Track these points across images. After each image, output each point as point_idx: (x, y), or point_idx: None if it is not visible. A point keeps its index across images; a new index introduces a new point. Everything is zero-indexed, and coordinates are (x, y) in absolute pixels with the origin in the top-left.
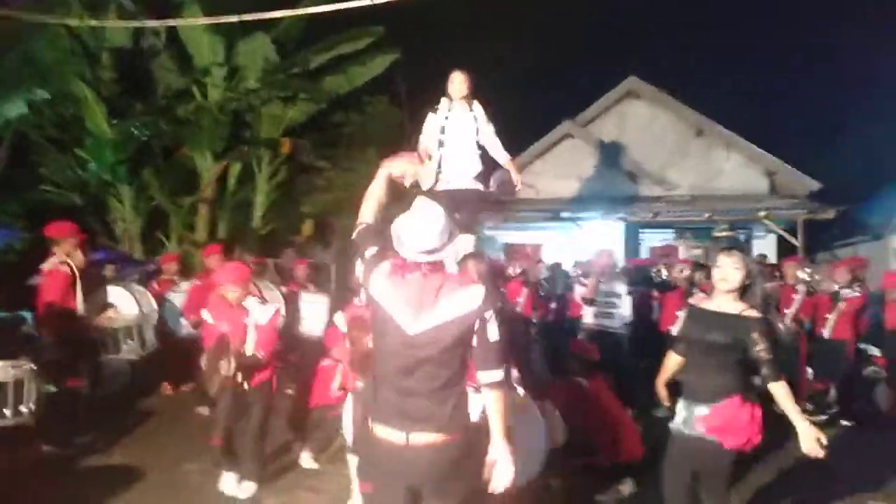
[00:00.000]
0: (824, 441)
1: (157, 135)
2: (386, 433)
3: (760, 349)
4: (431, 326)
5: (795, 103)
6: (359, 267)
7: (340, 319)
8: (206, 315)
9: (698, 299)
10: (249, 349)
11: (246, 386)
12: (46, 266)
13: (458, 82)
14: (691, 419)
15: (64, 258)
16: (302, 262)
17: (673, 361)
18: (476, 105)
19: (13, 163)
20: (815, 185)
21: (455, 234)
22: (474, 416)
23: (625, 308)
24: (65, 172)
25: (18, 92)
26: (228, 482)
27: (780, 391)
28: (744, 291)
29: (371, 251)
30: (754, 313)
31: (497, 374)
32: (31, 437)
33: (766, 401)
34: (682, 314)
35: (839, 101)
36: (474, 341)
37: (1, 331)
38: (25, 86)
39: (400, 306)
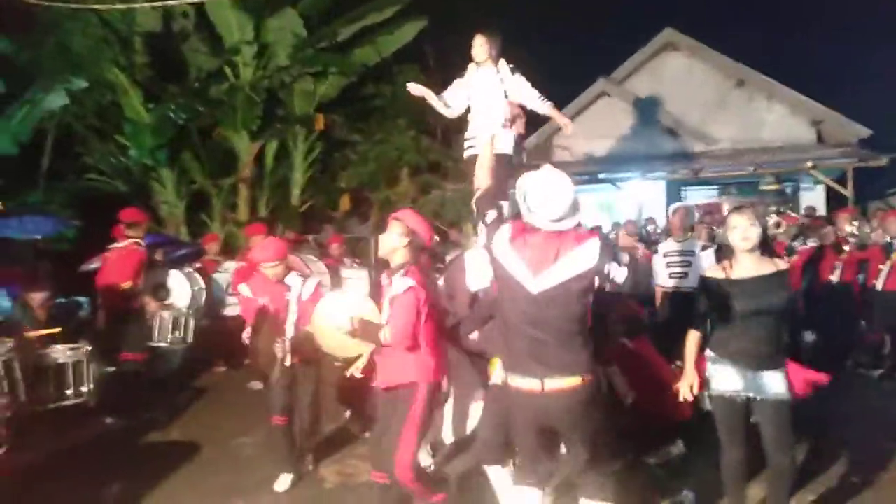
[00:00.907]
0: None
1: (193, 117)
2: (522, 382)
3: None
4: (553, 285)
5: (840, 47)
6: (481, 230)
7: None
8: (243, 289)
9: (717, 269)
10: (291, 326)
11: (290, 362)
12: (120, 245)
13: (478, 45)
14: (761, 384)
15: (137, 240)
16: (336, 238)
17: (695, 339)
18: (502, 64)
19: (58, 153)
20: (864, 131)
21: (579, 204)
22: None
23: (702, 265)
24: (108, 160)
25: (57, 82)
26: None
27: None
28: (764, 246)
29: (491, 215)
30: (783, 264)
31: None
32: (94, 415)
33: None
34: (701, 287)
35: (886, 41)
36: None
37: (59, 316)
38: (63, 76)
39: (522, 268)
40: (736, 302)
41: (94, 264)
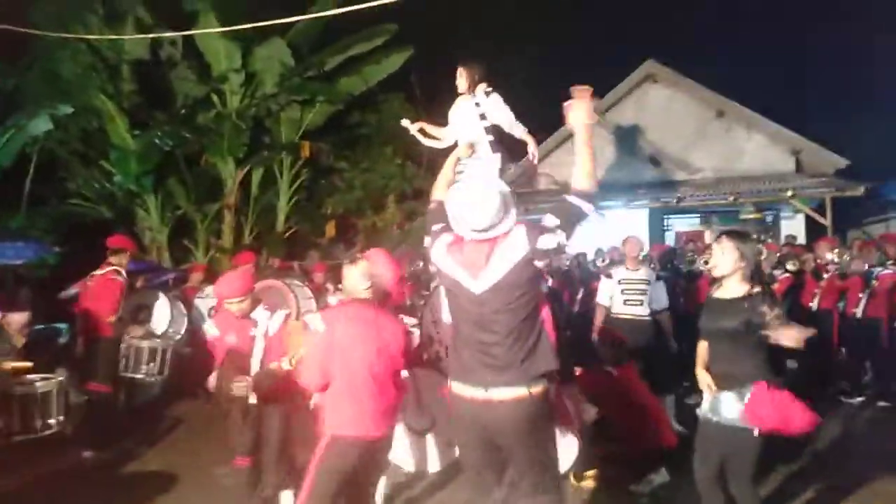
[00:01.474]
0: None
1: (179, 144)
2: (465, 389)
3: (770, 316)
4: (494, 283)
5: (818, 79)
6: (427, 240)
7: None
8: (209, 327)
9: (714, 289)
10: (256, 362)
11: (253, 400)
12: (100, 272)
13: (459, 77)
14: (718, 406)
15: (119, 268)
16: (321, 266)
17: (703, 348)
18: (479, 88)
19: (41, 179)
20: (842, 161)
21: (511, 206)
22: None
23: (654, 294)
24: (92, 186)
25: (42, 108)
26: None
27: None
28: (752, 274)
29: (438, 226)
30: (758, 289)
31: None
32: (71, 445)
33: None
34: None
35: (864, 74)
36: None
37: (38, 343)
38: (48, 102)
39: (461, 271)
40: (704, 318)
41: (74, 290)
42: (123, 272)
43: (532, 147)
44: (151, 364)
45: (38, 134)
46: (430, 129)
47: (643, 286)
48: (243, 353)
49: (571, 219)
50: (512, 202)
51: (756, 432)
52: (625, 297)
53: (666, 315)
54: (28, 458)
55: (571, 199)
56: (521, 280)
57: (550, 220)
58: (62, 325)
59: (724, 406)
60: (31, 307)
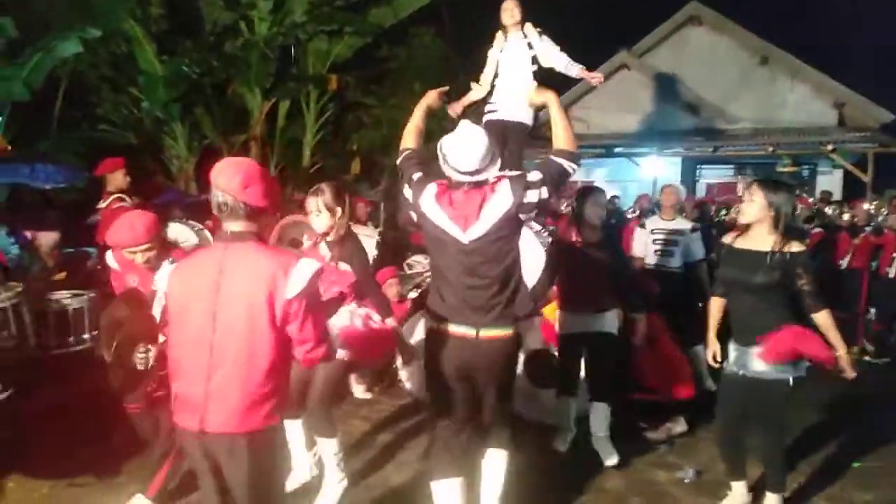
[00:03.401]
0: (851, 371)
1: (206, 72)
2: (458, 329)
3: (803, 282)
4: (482, 234)
5: (867, 28)
6: (406, 191)
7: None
8: (109, 259)
9: (732, 237)
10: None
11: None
12: (104, 204)
13: (506, 10)
14: (745, 359)
15: (120, 194)
16: (362, 200)
17: (716, 305)
18: (529, 28)
19: (71, 103)
20: (887, 116)
21: (497, 157)
22: None
23: (690, 246)
24: (120, 111)
25: (71, 30)
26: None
27: (822, 320)
28: (778, 224)
29: (417, 175)
30: (794, 246)
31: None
32: (102, 365)
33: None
34: (718, 251)
35: None
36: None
37: (68, 264)
38: (78, 24)
39: (450, 222)
40: (725, 269)
41: (96, 217)
42: (128, 197)
43: (593, 77)
44: None
45: (67, 56)
46: (467, 97)
47: (677, 237)
48: (146, 311)
49: (555, 176)
50: (497, 153)
51: (790, 381)
52: (656, 247)
53: (702, 267)
54: (68, 373)
55: (555, 158)
56: (506, 232)
57: (535, 175)
58: (91, 249)
59: (752, 360)
60: (60, 229)
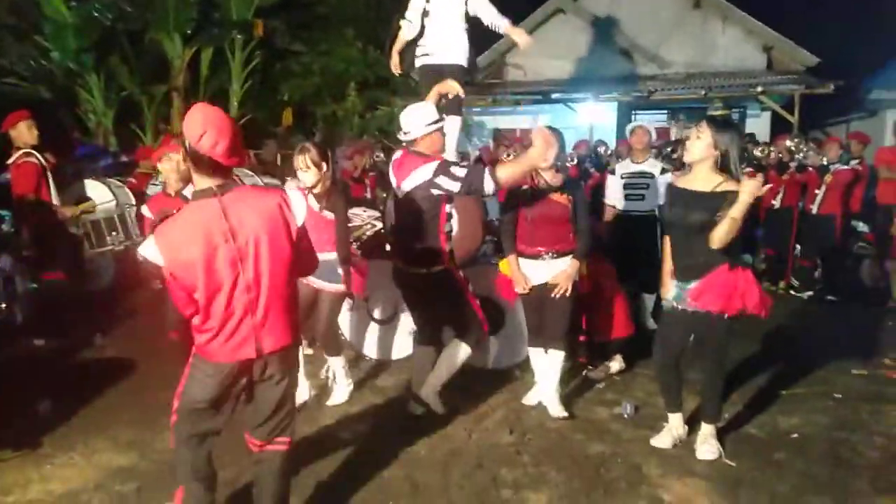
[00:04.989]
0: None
1: (120, 18)
2: (403, 267)
3: (721, 214)
4: (408, 189)
5: None
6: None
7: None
8: (145, 211)
9: (677, 177)
10: None
11: None
12: (11, 160)
13: None
14: (682, 295)
15: (28, 150)
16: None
17: (665, 243)
18: None
19: None
20: (812, 59)
21: (427, 121)
22: None
23: (659, 188)
24: (27, 62)
25: None
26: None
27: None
28: (723, 164)
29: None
30: (732, 186)
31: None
32: (22, 334)
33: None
34: (665, 191)
35: None
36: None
37: None
38: None
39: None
40: (672, 209)
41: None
42: (38, 155)
43: (521, 37)
44: (115, 233)
45: None
46: (398, 41)
47: (646, 180)
48: None
49: (474, 183)
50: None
51: (727, 313)
52: (627, 191)
53: None
54: None
55: (488, 173)
56: (421, 196)
57: (460, 171)
58: (4, 212)
59: (687, 293)
60: None
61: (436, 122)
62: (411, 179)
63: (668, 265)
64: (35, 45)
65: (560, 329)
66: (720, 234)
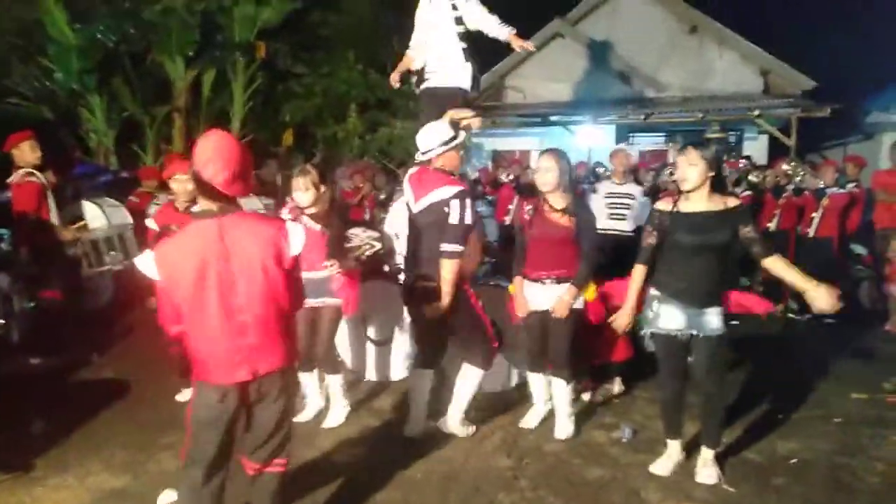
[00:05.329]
0: (837, 295)
1: (123, 40)
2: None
3: (748, 230)
4: (427, 205)
5: None
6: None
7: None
8: (149, 223)
9: (668, 202)
10: None
11: None
12: (14, 179)
13: None
14: (702, 321)
15: (29, 169)
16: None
17: (641, 272)
18: None
19: None
20: (809, 83)
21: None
22: None
23: (641, 210)
24: (31, 83)
25: None
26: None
27: (776, 264)
28: (716, 184)
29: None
30: (736, 202)
31: (451, 247)
32: (18, 352)
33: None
34: (651, 221)
35: None
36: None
37: None
38: None
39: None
40: (681, 236)
41: (7, 194)
42: (38, 174)
43: (524, 43)
44: (113, 252)
45: None
46: (402, 64)
47: (628, 200)
48: None
49: (459, 233)
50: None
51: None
52: (609, 211)
53: None
54: None
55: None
56: (438, 211)
57: (468, 215)
58: (3, 231)
59: (709, 321)
60: None
61: (452, 139)
62: (431, 196)
63: (634, 293)
64: (39, 65)
65: (561, 357)
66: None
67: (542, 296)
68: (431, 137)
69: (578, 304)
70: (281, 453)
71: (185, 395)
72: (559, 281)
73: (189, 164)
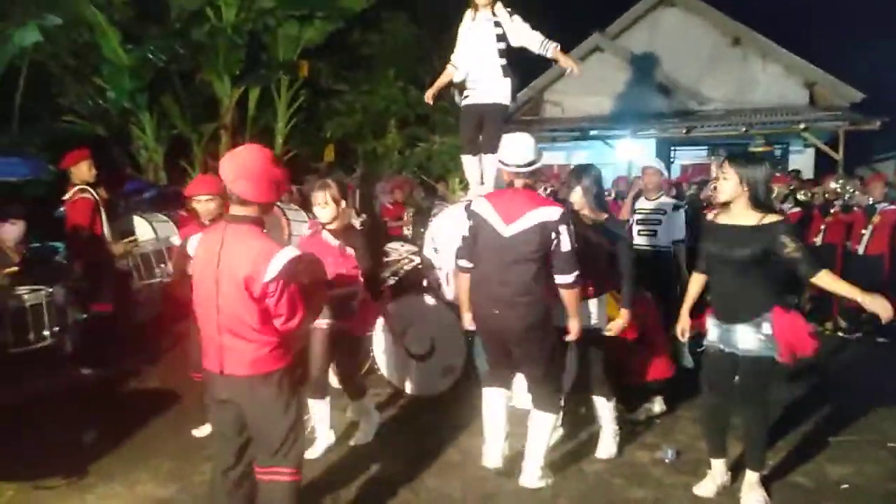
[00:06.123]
0: (889, 306)
1: (173, 60)
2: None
3: (790, 249)
4: (520, 230)
5: (837, 7)
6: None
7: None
8: (174, 237)
9: (713, 213)
10: None
11: None
12: (68, 196)
13: None
14: (731, 337)
15: (84, 186)
16: (347, 186)
17: (697, 282)
18: (499, 8)
19: (32, 94)
20: (857, 95)
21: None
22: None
23: (671, 224)
24: (85, 102)
25: (30, 18)
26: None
27: (825, 279)
28: (756, 199)
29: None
30: (774, 217)
31: (569, 278)
32: (70, 362)
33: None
34: (702, 229)
35: (884, 3)
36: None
37: (33, 261)
38: (36, 11)
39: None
40: (709, 245)
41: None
42: (92, 191)
43: (570, 62)
44: (163, 265)
45: (26, 45)
46: (440, 80)
47: (658, 216)
48: None
49: (568, 257)
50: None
51: (777, 357)
52: (639, 227)
53: (680, 246)
54: (27, 373)
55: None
56: (539, 238)
57: (569, 246)
58: (58, 244)
59: (739, 337)
60: (25, 223)
61: (540, 157)
62: (530, 217)
63: (689, 300)
64: (93, 85)
65: (598, 375)
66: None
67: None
68: (527, 150)
69: (600, 322)
70: (282, 462)
71: (202, 431)
72: (586, 299)
73: (212, 184)
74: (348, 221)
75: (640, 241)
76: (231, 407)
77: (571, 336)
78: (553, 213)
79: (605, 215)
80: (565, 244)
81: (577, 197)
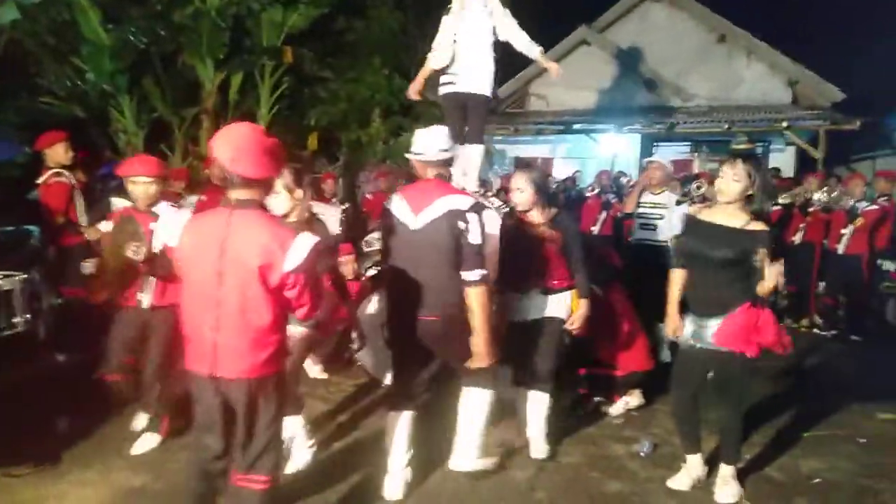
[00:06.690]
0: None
1: (154, 42)
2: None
3: (757, 259)
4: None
5: (822, 5)
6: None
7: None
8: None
9: (697, 209)
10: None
11: (145, 304)
12: (42, 179)
13: None
14: (701, 333)
15: (59, 169)
16: (330, 175)
17: (677, 277)
18: (491, 1)
19: (9, 73)
20: (838, 94)
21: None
22: None
23: (671, 220)
24: (63, 83)
25: None
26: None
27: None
28: (748, 201)
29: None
30: (759, 226)
31: (472, 275)
32: (44, 348)
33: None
34: (682, 223)
35: (866, 3)
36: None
37: (7, 244)
38: None
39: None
40: (692, 242)
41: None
42: (68, 174)
43: (551, 65)
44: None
45: (4, 23)
46: (423, 71)
47: (660, 211)
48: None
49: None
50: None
51: (749, 354)
52: (640, 221)
53: None
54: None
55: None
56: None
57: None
58: (33, 228)
59: (709, 332)
60: None
61: (453, 148)
62: (437, 206)
63: (673, 298)
64: (72, 65)
65: (544, 370)
66: (763, 291)
67: (528, 306)
68: (435, 140)
69: (562, 314)
70: (260, 469)
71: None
72: (546, 292)
73: (152, 164)
74: (308, 214)
75: (641, 234)
76: (222, 404)
77: (476, 351)
78: (463, 201)
79: (555, 210)
80: (474, 236)
81: (524, 198)
